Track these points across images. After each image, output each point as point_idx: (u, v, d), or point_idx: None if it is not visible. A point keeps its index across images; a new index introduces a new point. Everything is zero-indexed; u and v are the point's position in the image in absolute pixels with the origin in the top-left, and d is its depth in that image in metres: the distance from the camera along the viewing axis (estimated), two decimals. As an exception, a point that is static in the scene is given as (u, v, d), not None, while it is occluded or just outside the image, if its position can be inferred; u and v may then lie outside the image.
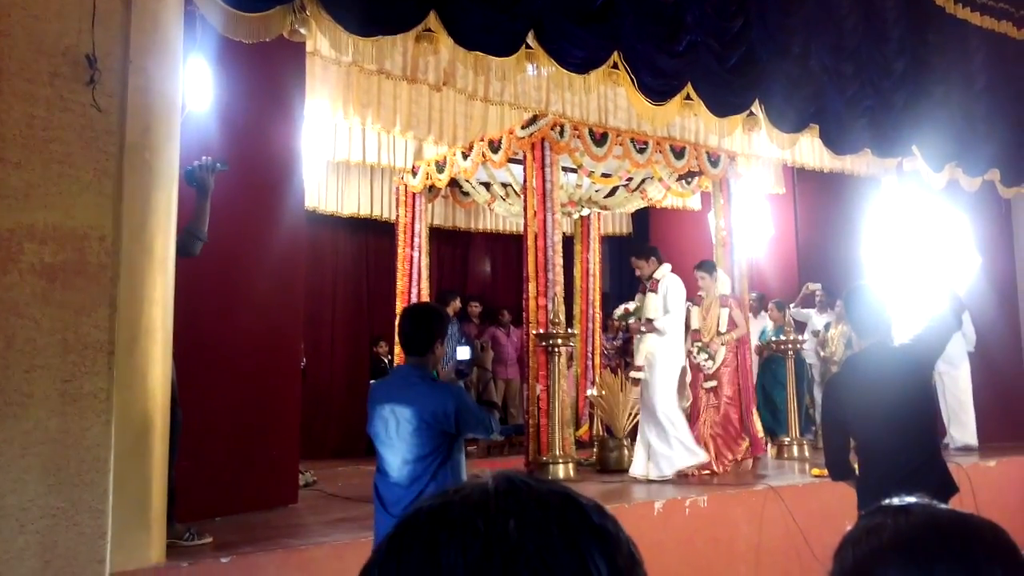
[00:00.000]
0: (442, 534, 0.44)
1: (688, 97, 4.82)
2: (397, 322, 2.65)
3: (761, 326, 7.35)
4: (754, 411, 6.07)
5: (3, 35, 2.53)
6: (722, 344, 5.64)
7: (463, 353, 6.03)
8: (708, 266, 5.92)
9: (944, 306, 2.85)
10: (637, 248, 6.28)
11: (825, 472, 4.78)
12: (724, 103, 5.00)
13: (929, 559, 0.63)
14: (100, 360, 2.54)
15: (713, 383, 5.61)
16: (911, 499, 0.70)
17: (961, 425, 6.48)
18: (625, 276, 10.34)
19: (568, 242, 7.36)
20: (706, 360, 5.62)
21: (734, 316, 5.77)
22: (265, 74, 4.37)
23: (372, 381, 2.44)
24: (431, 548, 0.44)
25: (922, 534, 0.65)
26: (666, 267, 5.73)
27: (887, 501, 0.71)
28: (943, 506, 0.69)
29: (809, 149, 6.70)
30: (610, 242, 9.49)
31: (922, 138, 6.04)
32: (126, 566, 2.47)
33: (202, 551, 2.97)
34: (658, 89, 4.66)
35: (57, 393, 2.46)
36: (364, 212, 7.55)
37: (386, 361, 7.22)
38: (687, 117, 5.52)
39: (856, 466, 2.92)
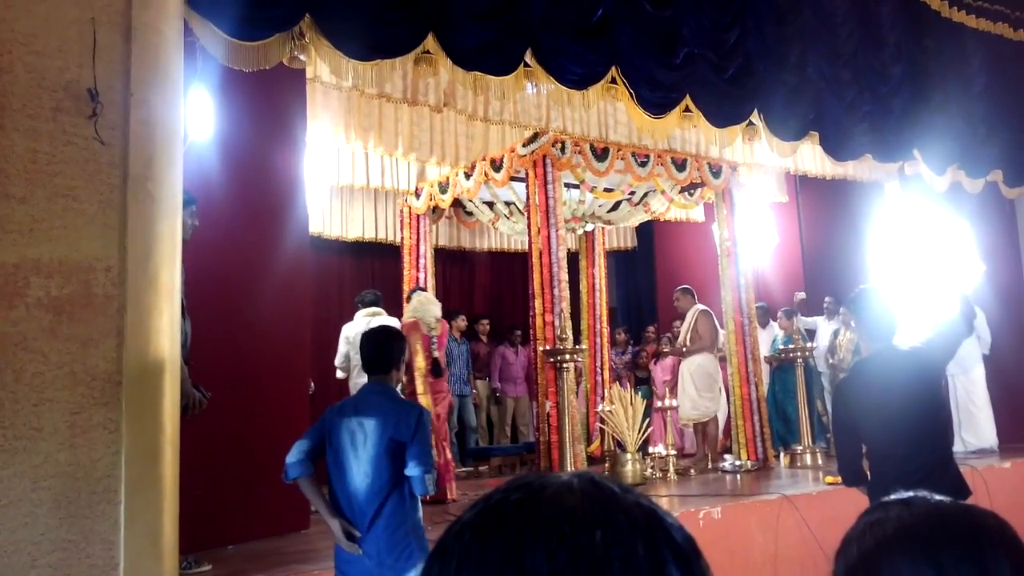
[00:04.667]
0: (528, 533, 0.43)
1: (687, 109, 4.84)
2: (359, 344, 2.72)
3: (771, 336, 7.31)
4: (755, 420, 6.13)
5: (4, 71, 2.57)
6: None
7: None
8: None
9: (955, 311, 2.83)
10: None
11: (838, 479, 4.73)
12: (723, 114, 5.02)
13: (935, 548, 0.62)
14: (109, 391, 2.54)
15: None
16: (909, 494, 0.69)
17: (976, 428, 6.41)
18: (631, 290, 10.33)
19: (573, 258, 7.37)
20: None
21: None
22: (266, 102, 4.42)
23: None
24: (516, 546, 0.43)
25: (926, 524, 0.64)
26: None
27: (887, 498, 0.71)
28: (943, 498, 0.69)
29: (811, 156, 6.71)
30: (615, 257, 9.49)
31: (923, 142, 6.04)
32: (138, 598, 2.46)
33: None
34: (657, 102, 4.68)
35: (66, 425, 2.46)
36: (369, 236, 7.58)
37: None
38: (687, 129, 5.55)
39: (868, 471, 2.88)
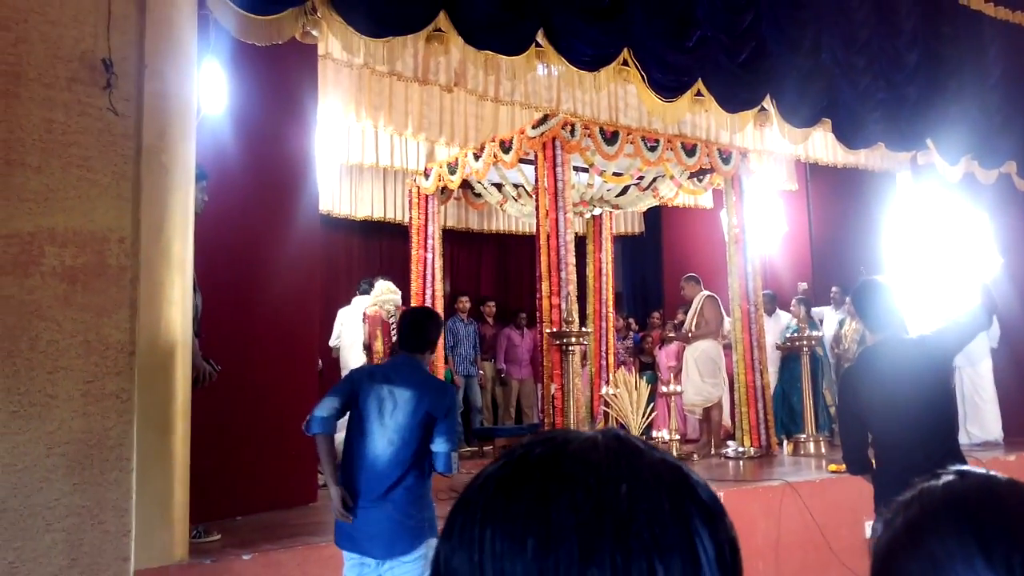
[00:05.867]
0: (552, 486, 0.43)
1: (699, 93, 4.81)
2: (397, 321, 2.73)
3: (777, 324, 7.30)
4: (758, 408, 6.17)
5: (21, 41, 2.57)
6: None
7: None
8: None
9: (976, 302, 2.81)
10: None
11: (842, 468, 4.74)
12: (735, 98, 4.99)
13: (982, 521, 0.62)
14: (122, 361, 2.57)
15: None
16: (964, 467, 0.69)
17: (982, 421, 6.41)
18: (637, 275, 10.32)
19: (580, 242, 7.36)
20: None
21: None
22: (278, 78, 4.41)
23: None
24: (541, 499, 0.43)
25: (976, 496, 0.64)
26: None
27: (939, 471, 0.70)
28: (999, 474, 0.69)
29: (822, 144, 6.66)
30: (622, 242, 9.47)
31: (936, 131, 5.99)
32: (150, 563, 2.50)
33: (225, 549, 2.99)
34: (669, 85, 4.65)
35: (80, 394, 2.50)
36: (378, 215, 7.59)
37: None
38: (698, 113, 5.51)
39: (873, 460, 2.89)
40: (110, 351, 2.55)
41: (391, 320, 5.46)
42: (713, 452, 6.27)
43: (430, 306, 6.51)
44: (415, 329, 2.63)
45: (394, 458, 2.43)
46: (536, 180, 5.91)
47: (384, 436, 2.45)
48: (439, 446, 2.42)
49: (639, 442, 0.47)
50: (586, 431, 0.48)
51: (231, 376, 3.86)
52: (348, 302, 6.57)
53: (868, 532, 2.88)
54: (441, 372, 6.88)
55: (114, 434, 2.50)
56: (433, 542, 2.44)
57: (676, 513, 0.43)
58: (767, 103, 5.12)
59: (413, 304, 6.80)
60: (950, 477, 0.67)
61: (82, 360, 2.51)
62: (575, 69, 4.34)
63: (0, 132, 2.51)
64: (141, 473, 2.53)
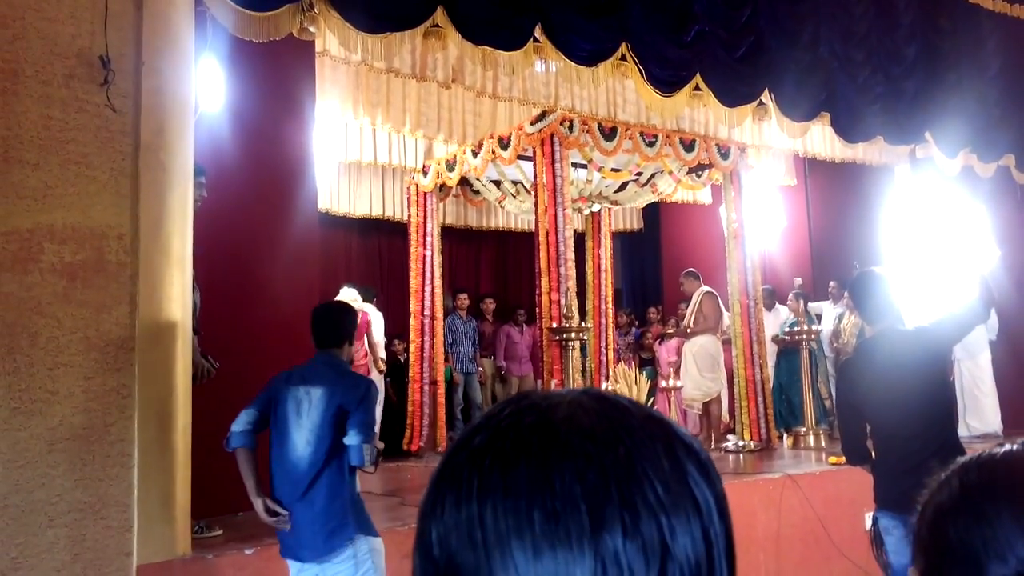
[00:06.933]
0: (551, 456, 0.42)
1: (697, 88, 4.81)
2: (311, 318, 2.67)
3: (776, 319, 7.31)
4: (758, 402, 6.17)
5: (18, 38, 2.57)
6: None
7: None
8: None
9: (974, 294, 2.81)
10: None
11: (842, 459, 4.75)
12: (734, 93, 4.99)
13: None
14: (122, 357, 2.57)
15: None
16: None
17: (981, 414, 6.42)
18: (637, 272, 10.32)
19: (580, 239, 7.36)
20: None
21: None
22: (275, 76, 4.41)
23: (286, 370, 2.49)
24: (542, 471, 0.42)
25: None
26: None
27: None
28: None
29: (820, 139, 6.66)
30: (621, 238, 9.47)
31: (935, 124, 5.99)
32: (153, 558, 2.51)
33: (226, 544, 3.00)
34: (667, 80, 4.65)
35: (81, 390, 2.50)
36: (376, 213, 7.58)
37: (402, 360, 7.25)
38: (696, 108, 5.51)
39: (872, 451, 2.90)
40: (110, 347, 2.56)
41: None
42: (713, 446, 6.28)
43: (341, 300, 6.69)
44: (327, 324, 2.60)
45: (311, 458, 2.39)
46: (535, 176, 5.91)
47: (302, 438, 2.41)
48: (350, 438, 2.37)
49: (621, 399, 0.47)
50: (563, 391, 0.47)
51: (230, 374, 3.86)
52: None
53: (868, 523, 2.88)
54: (441, 370, 6.88)
55: (115, 430, 2.50)
56: (363, 540, 2.40)
57: (675, 469, 0.43)
58: (765, 97, 5.12)
59: (412, 303, 6.81)
60: (1009, 446, 0.67)
61: (82, 356, 2.51)
62: (573, 64, 4.34)
63: (-2, 129, 2.51)
64: (143, 469, 2.53)
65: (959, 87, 6.09)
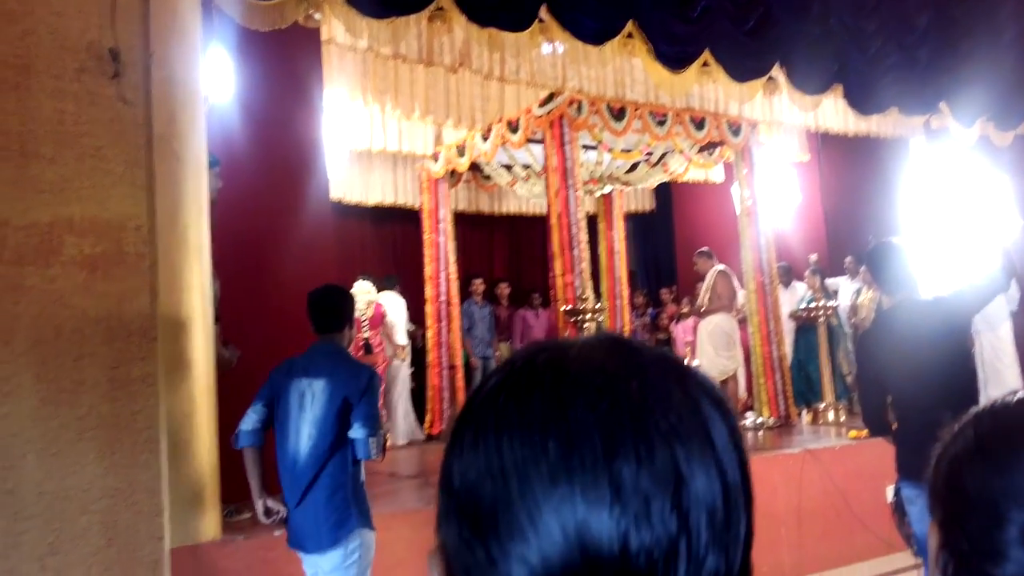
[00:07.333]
0: (564, 389, 0.43)
1: (706, 64, 4.76)
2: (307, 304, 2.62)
3: (793, 295, 7.26)
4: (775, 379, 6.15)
5: (28, 33, 2.60)
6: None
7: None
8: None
9: (995, 264, 2.78)
10: None
11: (862, 433, 4.74)
12: (743, 67, 4.93)
13: None
14: (145, 346, 2.61)
15: None
16: None
17: (1002, 385, 6.35)
18: (650, 253, 10.28)
19: (591, 222, 7.34)
20: None
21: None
22: (283, 65, 4.42)
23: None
24: (555, 402, 0.42)
25: None
26: None
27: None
28: None
29: (833, 112, 6.57)
30: (634, 220, 9.43)
31: (950, 93, 5.89)
32: (185, 542, 2.56)
33: (256, 526, 3.05)
34: (675, 56, 4.61)
35: (106, 379, 2.54)
36: (388, 201, 7.61)
37: (418, 346, 7.30)
38: (706, 85, 5.45)
39: (894, 421, 2.88)
40: (133, 337, 2.60)
41: (360, 316, 6.05)
42: (732, 424, 6.28)
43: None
44: (326, 308, 2.56)
45: (314, 451, 2.37)
46: (545, 159, 5.89)
47: (305, 431, 2.39)
48: (356, 432, 2.34)
49: (635, 341, 0.47)
50: (581, 337, 0.48)
51: (250, 361, 3.90)
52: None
53: (890, 495, 2.88)
54: (459, 354, 6.92)
55: (142, 418, 2.54)
56: (367, 534, 2.40)
57: (688, 401, 0.44)
58: (776, 71, 5.06)
59: (428, 289, 6.84)
60: (1022, 394, 0.67)
61: (106, 347, 2.55)
62: (580, 45, 4.30)
63: (13, 124, 2.54)
64: (171, 455, 2.58)
65: (973, 55, 5.98)
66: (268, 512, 2.42)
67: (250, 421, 2.46)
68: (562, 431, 0.41)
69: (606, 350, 0.45)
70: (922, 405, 2.69)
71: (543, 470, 0.41)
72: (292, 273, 4.39)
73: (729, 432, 0.44)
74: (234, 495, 3.25)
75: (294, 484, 2.40)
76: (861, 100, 5.53)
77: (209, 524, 2.74)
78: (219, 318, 3.26)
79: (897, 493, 2.81)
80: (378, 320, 6.46)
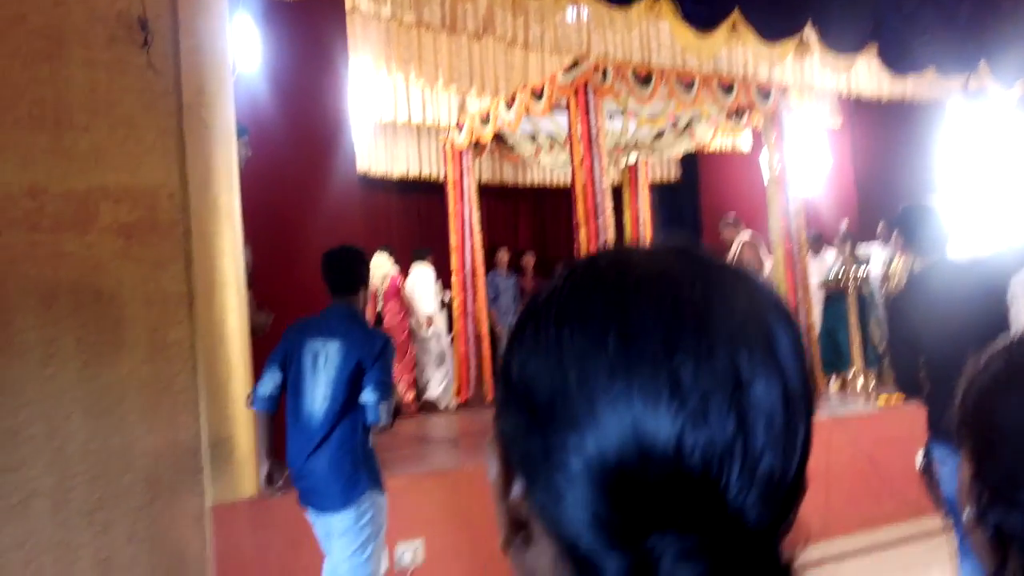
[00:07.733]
0: (625, 286, 0.43)
1: (734, 28, 4.66)
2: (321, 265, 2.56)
3: (826, 263, 7.15)
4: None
5: (59, 4, 2.64)
6: None
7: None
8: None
9: None
10: None
11: (891, 399, 4.69)
12: (774, 27, 4.82)
13: None
14: (181, 311, 2.68)
15: None
16: None
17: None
18: (676, 223, 10.17)
19: (617, 193, 7.28)
20: None
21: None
22: (308, 34, 4.42)
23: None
24: (617, 299, 0.42)
25: None
26: None
27: None
28: None
29: (866, 75, 6.40)
30: (659, 191, 9.32)
31: (991, 51, 5.69)
32: (223, 499, 2.64)
33: (290, 484, 3.14)
34: (703, 17, 4.52)
35: (145, 343, 2.62)
36: (414, 173, 7.62)
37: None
38: (735, 48, 5.35)
39: (927, 382, 2.85)
40: (170, 302, 2.66)
41: (375, 289, 6.23)
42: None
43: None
44: (341, 269, 2.52)
45: (326, 412, 2.36)
46: (569, 127, 5.84)
47: (319, 392, 2.38)
48: (367, 396, 2.32)
49: (701, 248, 0.47)
50: (646, 246, 0.47)
51: (282, 329, 3.98)
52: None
53: (919, 459, 2.86)
54: (485, 324, 6.97)
55: (180, 380, 2.62)
56: (378, 496, 2.40)
57: (752, 308, 0.43)
58: (808, 30, 4.94)
59: (453, 260, 6.87)
60: None
61: (144, 311, 2.62)
62: (605, 9, 4.24)
63: (48, 94, 2.59)
64: (208, 415, 2.65)
65: (1016, 11, 5.76)
66: (270, 479, 2.44)
67: (266, 386, 2.44)
68: (622, 326, 0.41)
69: (671, 255, 0.45)
70: (955, 366, 2.64)
71: (602, 363, 0.41)
72: (320, 246, 4.43)
73: (792, 342, 0.44)
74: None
75: (307, 442, 2.40)
76: (896, 59, 5.38)
77: (246, 482, 2.83)
78: (252, 284, 3.32)
79: (927, 454, 2.79)
80: (392, 293, 6.51)
